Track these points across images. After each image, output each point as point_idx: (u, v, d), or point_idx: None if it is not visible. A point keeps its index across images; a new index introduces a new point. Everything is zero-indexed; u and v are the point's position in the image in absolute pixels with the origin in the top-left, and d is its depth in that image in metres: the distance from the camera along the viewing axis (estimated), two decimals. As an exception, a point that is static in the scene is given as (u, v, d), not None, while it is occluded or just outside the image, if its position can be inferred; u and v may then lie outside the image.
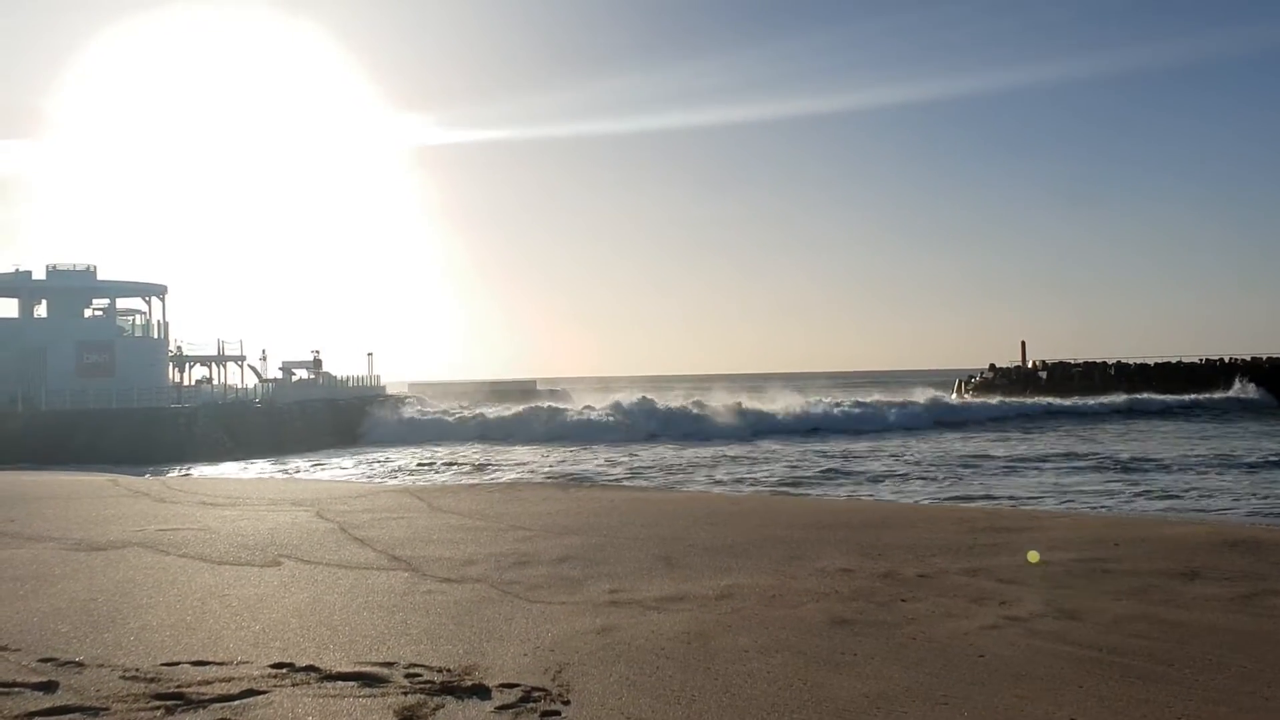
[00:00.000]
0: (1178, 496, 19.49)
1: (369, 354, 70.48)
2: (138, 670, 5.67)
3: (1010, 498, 19.59)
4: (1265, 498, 18.82)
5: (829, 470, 27.15)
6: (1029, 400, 58.97)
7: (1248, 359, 66.95)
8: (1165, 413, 54.58)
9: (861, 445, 36.86)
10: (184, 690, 5.29)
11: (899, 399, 55.42)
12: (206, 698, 5.17)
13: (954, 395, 73.26)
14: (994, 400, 59.66)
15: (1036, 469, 26.28)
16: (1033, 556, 7.46)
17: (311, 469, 32.18)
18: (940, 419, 50.70)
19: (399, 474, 29.35)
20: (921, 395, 57.63)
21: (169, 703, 5.09)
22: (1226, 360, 67.01)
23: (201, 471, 32.70)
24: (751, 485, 23.60)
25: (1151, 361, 67.96)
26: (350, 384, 65.44)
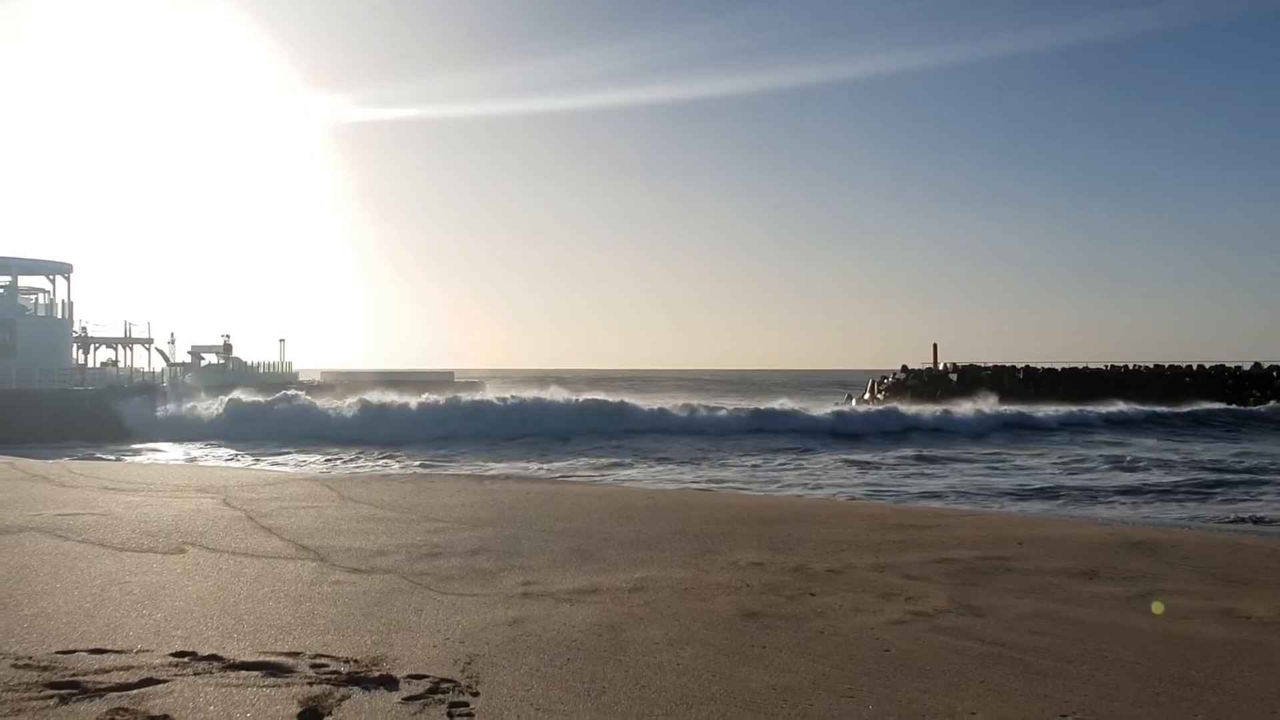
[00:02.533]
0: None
1: (281, 340, 69.13)
2: (30, 658, 5.50)
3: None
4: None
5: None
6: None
7: (1150, 366, 68.98)
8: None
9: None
10: (80, 679, 5.14)
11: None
12: (103, 687, 5.04)
13: (867, 395, 74.33)
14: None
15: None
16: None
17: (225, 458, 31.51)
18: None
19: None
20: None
21: (63, 692, 4.94)
22: (1130, 367, 68.97)
23: (104, 455, 31.85)
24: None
25: (1060, 367, 69.66)
26: (262, 370, 64.34)
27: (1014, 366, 69.94)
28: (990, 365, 70.61)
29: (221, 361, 62.08)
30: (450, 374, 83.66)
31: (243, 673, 5.35)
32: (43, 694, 4.90)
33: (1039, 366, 69.78)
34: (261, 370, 64.64)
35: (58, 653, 5.63)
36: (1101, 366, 69.46)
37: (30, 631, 6.09)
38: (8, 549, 8.83)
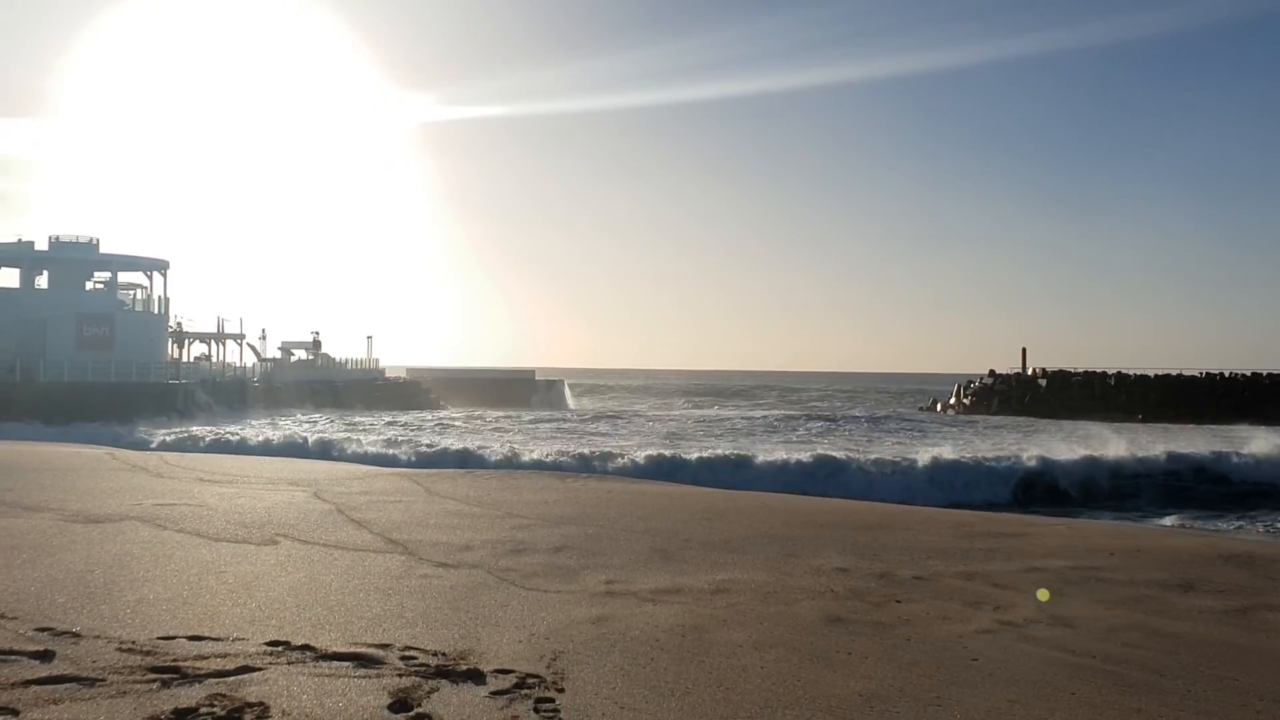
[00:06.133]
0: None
1: (369, 337, 70.49)
2: (134, 643, 5.69)
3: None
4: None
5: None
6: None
7: (1248, 374, 66.72)
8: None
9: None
10: (180, 664, 5.31)
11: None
12: (202, 672, 5.19)
13: (953, 400, 73.27)
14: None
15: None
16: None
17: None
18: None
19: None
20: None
21: (165, 676, 5.10)
22: (1227, 374, 66.81)
23: (196, 431, 32.86)
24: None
25: (1152, 373, 67.75)
26: (349, 366, 65.58)
27: (1105, 372, 68.29)
28: (1080, 371, 69.08)
29: (310, 357, 63.38)
30: (531, 373, 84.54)
31: (334, 663, 5.47)
32: (146, 677, 5.07)
33: (1130, 373, 68.00)
34: (349, 366, 65.80)
35: (158, 638, 5.82)
36: (1196, 374, 67.32)
37: (133, 617, 6.30)
38: (110, 537, 9.14)
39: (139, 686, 4.94)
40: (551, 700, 4.99)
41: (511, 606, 6.94)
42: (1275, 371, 66.63)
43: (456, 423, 50.47)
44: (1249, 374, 66.80)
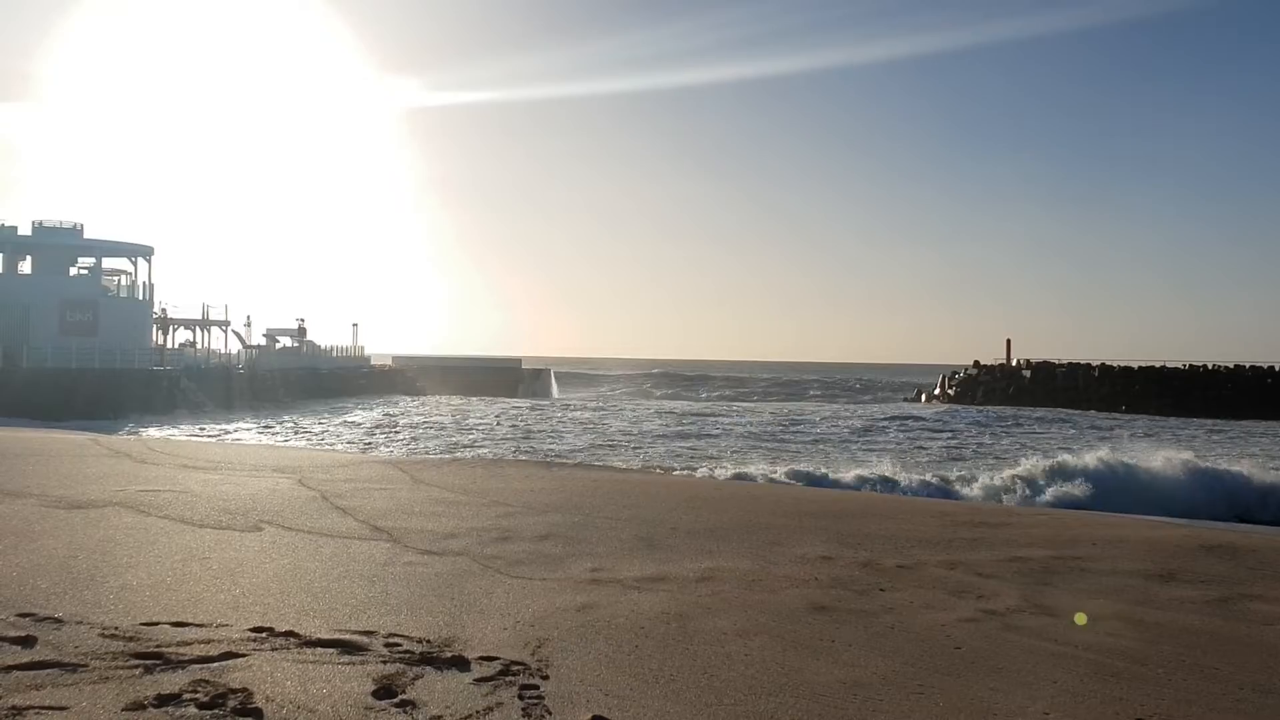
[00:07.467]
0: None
1: (354, 324, 70.26)
2: (117, 629, 5.67)
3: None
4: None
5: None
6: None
7: (1230, 367, 66.99)
8: None
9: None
10: (163, 650, 5.29)
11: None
12: (186, 659, 5.17)
13: (938, 391, 73.50)
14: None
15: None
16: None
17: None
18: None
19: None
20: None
21: (148, 662, 5.08)
22: (1210, 367, 67.09)
23: (181, 429, 32.74)
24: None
25: (1135, 365, 67.95)
26: (335, 354, 65.40)
27: (1089, 364, 68.51)
28: (1064, 362, 69.29)
29: (296, 345, 63.15)
30: (518, 361, 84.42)
31: (319, 649, 5.46)
32: (129, 663, 5.05)
33: (1115, 364, 68.21)
34: (335, 354, 65.63)
35: (142, 624, 5.80)
36: (1179, 366, 67.53)
37: (116, 603, 6.27)
38: (93, 523, 9.09)
39: (121, 672, 4.92)
40: (536, 687, 4.99)
41: (496, 594, 6.94)
42: (1259, 364, 66.92)
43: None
44: (1232, 366, 67.07)
